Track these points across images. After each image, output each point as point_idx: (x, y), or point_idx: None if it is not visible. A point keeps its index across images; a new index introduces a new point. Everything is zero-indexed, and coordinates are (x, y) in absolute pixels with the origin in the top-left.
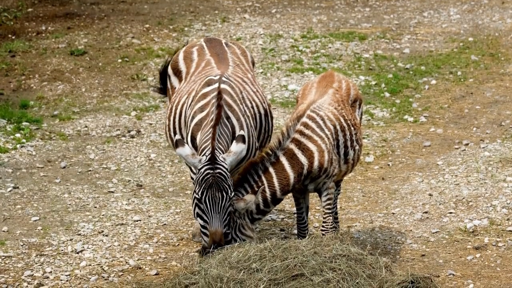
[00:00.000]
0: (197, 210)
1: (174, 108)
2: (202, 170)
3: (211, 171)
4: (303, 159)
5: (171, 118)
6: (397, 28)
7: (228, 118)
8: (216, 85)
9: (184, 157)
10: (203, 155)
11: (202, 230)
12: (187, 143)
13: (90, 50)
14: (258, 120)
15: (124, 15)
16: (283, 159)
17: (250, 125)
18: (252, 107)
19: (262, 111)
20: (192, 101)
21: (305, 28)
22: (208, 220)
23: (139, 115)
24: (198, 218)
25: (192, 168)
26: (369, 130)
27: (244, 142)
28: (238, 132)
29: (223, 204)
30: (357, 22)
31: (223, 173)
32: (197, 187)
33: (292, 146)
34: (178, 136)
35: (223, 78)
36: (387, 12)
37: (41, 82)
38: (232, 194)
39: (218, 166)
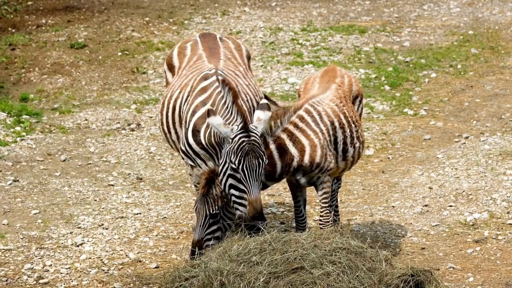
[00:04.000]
0: (230, 181)
1: (166, 103)
2: (237, 138)
3: (246, 139)
4: (293, 151)
5: (164, 113)
6: (397, 21)
7: None
8: (214, 77)
9: (215, 126)
10: (233, 125)
11: (238, 201)
12: (187, 138)
13: (90, 43)
14: (252, 113)
15: (124, 8)
16: (272, 147)
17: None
18: (247, 101)
19: (256, 105)
20: (188, 96)
21: (305, 21)
22: (246, 189)
23: (139, 108)
24: (232, 190)
25: (197, 158)
26: (369, 123)
27: (269, 109)
28: None
29: (259, 172)
30: (357, 15)
31: (257, 140)
32: (232, 157)
33: (284, 136)
34: (209, 107)
35: (219, 71)
36: (387, 5)
37: (41, 75)
38: (266, 161)
39: (252, 133)
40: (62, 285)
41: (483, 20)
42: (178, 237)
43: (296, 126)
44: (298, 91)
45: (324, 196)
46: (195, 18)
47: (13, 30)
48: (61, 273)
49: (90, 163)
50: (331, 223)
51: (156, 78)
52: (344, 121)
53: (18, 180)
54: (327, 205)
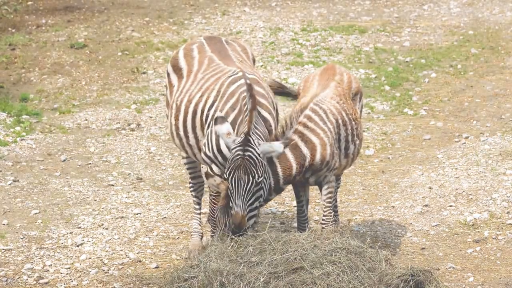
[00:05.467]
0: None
1: (184, 107)
2: (234, 150)
3: (241, 153)
4: (305, 151)
5: (180, 118)
6: (397, 21)
7: (259, 112)
8: (242, 81)
9: (220, 135)
10: (239, 137)
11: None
12: (218, 144)
13: (90, 43)
14: (271, 116)
15: (124, 8)
16: (286, 150)
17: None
18: (270, 103)
19: (275, 106)
20: (215, 101)
21: (305, 21)
22: (231, 201)
23: (139, 108)
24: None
25: (206, 164)
26: (369, 123)
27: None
28: (272, 126)
29: (248, 187)
30: (357, 15)
31: (253, 156)
32: (226, 167)
33: (295, 138)
34: (219, 114)
35: (247, 75)
36: (387, 5)
37: (41, 75)
38: (260, 179)
39: (249, 149)
40: (62, 285)
41: (483, 20)
42: (178, 237)
43: (305, 126)
44: (297, 89)
45: (329, 195)
46: (195, 18)
47: (13, 30)
48: (61, 273)
49: (90, 163)
50: (332, 223)
51: (156, 78)
52: (346, 118)
53: (18, 180)
54: (330, 204)
